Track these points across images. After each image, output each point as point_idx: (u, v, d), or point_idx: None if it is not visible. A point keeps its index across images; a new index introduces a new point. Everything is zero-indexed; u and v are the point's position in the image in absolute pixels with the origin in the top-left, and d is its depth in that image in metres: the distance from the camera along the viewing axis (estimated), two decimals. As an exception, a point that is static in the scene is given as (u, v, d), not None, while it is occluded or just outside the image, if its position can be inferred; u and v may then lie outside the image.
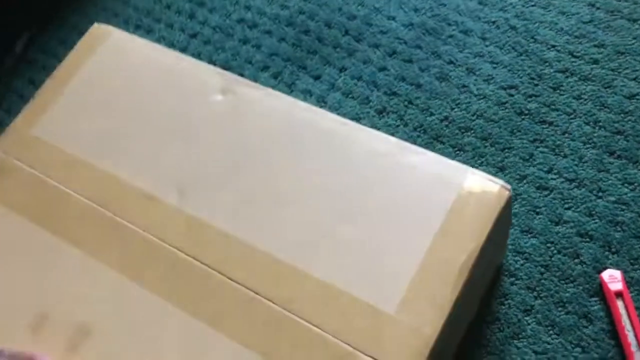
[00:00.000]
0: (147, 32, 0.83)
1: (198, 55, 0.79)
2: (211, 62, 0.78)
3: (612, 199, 0.58)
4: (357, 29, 0.75)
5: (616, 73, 0.65)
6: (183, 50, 0.80)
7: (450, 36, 0.72)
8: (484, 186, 0.45)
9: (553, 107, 0.64)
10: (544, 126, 0.63)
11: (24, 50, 0.85)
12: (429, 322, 0.41)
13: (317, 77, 0.73)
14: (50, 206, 0.51)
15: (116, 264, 0.47)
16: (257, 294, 0.44)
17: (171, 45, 0.81)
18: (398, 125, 0.68)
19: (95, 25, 0.59)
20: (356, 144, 0.49)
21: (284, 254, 0.45)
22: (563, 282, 0.56)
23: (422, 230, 0.44)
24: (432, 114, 0.68)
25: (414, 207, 0.45)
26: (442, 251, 0.43)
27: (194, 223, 0.48)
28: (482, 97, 0.67)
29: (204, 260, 0.46)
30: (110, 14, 0.86)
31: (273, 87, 0.73)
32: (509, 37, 0.70)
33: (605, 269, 0.55)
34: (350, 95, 0.71)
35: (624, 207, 0.58)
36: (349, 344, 0.41)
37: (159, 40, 0.81)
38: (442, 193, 0.45)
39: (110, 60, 0.57)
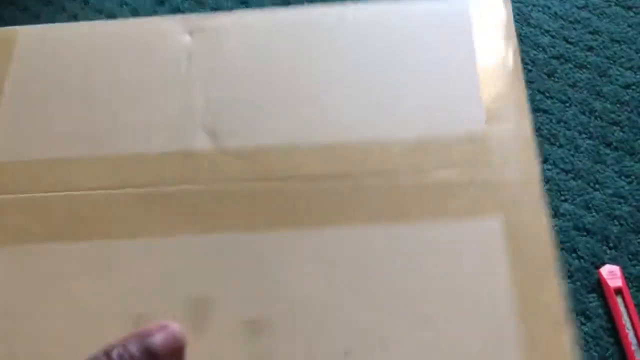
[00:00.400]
0: (107, -4, 0.76)
1: (166, 25, 0.73)
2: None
3: (609, 191, 0.57)
4: None
5: (611, 62, 0.63)
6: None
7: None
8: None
9: (547, 94, 0.63)
10: (538, 114, 0.61)
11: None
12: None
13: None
14: (70, 217, 0.42)
15: (196, 228, 0.41)
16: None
17: (135, 13, 0.74)
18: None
19: None
20: (353, 23, 0.46)
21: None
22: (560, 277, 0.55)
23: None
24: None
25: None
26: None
27: (246, 151, 0.43)
28: None
29: (274, 175, 0.42)
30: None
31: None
32: None
33: (603, 264, 0.53)
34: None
35: (621, 200, 0.56)
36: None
37: (121, 5, 0.74)
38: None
39: (38, 57, 0.48)
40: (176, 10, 0.72)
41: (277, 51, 0.50)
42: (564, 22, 0.65)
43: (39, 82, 0.50)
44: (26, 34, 0.53)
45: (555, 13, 0.66)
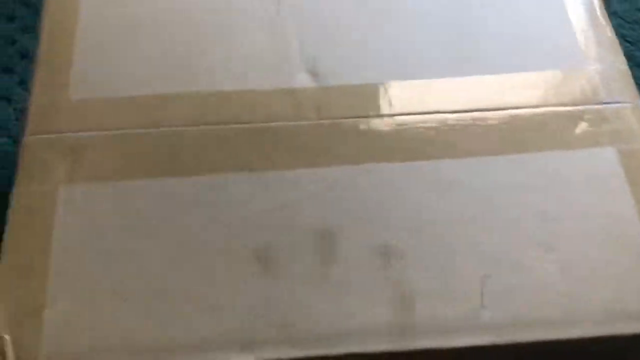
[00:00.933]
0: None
1: None
2: None
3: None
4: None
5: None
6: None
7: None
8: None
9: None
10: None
11: None
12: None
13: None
14: (175, 152, 0.41)
15: (307, 162, 0.41)
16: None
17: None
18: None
19: None
20: None
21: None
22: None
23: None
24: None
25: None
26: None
27: (349, 89, 0.44)
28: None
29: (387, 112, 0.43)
30: None
31: None
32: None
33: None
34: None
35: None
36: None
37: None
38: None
39: None
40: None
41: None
42: (622, 21, 0.68)
43: (112, 20, 0.48)
44: None
45: (615, 12, 0.69)
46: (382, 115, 0.44)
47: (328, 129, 0.44)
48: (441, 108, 0.45)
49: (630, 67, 0.65)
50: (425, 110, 0.44)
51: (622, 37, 0.67)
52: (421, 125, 0.44)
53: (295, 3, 0.49)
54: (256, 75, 0.46)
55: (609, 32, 0.49)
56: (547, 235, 0.38)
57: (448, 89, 0.45)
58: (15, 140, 0.60)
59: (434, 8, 0.49)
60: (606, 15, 0.49)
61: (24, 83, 0.63)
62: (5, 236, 0.39)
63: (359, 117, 0.44)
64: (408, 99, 0.44)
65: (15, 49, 0.65)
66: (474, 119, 0.44)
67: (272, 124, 0.44)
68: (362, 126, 0.44)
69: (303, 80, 0.46)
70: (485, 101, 0.45)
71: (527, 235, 0.38)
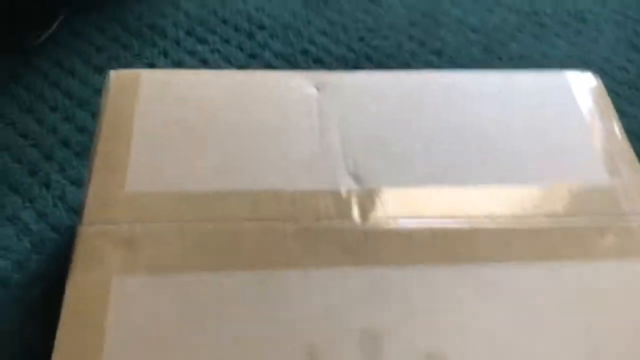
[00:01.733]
0: (199, 41, 0.78)
1: (257, 77, 0.76)
2: (271, 86, 0.75)
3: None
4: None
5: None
6: (241, 67, 0.76)
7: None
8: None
9: None
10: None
11: (56, 31, 0.77)
12: None
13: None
14: (226, 247, 0.43)
15: (354, 262, 0.43)
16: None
17: (227, 61, 0.76)
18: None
19: (113, 72, 0.53)
20: (472, 87, 0.55)
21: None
22: None
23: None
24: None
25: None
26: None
27: (389, 192, 0.46)
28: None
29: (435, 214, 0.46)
30: (156, 13, 0.81)
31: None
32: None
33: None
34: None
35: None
36: None
37: (213, 52, 0.77)
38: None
39: (165, 99, 0.52)
40: (268, 65, 0.75)
41: (402, 106, 0.55)
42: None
43: (169, 122, 0.52)
44: (149, 76, 0.56)
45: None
46: (425, 218, 0.47)
47: (372, 230, 0.46)
48: (478, 214, 0.47)
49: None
50: (465, 214, 0.47)
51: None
52: (462, 229, 0.46)
53: (336, 112, 0.53)
54: (305, 176, 0.49)
55: (627, 147, 0.52)
56: (590, 346, 0.39)
57: (484, 196, 0.48)
58: (53, 227, 0.61)
59: (468, 124, 0.53)
60: (623, 131, 0.53)
61: (64, 170, 0.65)
62: (58, 325, 0.40)
63: (402, 218, 0.47)
64: (449, 204, 0.47)
65: (56, 138, 0.68)
66: (508, 226, 0.46)
67: (320, 222, 0.46)
68: (406, 229, 0.46)
69: (347, 183, 0.49)
70: (517, 209, 0.48)
71: (570, 345, 0.40)
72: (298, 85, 0.56)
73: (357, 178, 0.49)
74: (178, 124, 0.51)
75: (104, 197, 0.46)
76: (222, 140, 0.50)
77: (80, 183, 0.65)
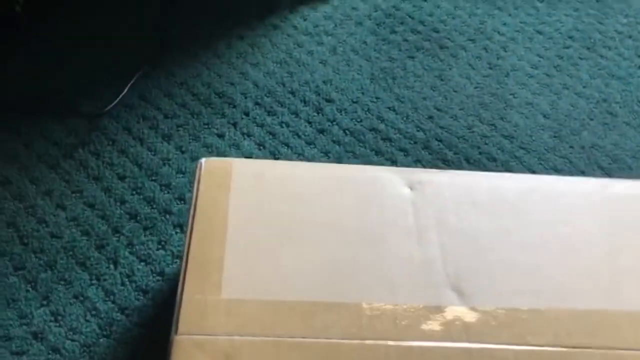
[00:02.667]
0: (268, 112, 0.77)
1: (326, 153, 0.74)
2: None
3: None
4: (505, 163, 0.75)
5: None
6: (309, 143, 0.75)
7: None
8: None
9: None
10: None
11: (125, 94, 0.76)
12: None
13: (457, 211, 0.71)
14: None
15: None
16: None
17: (296, 134, 0.76)
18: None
19: (205, 160, 0.52)
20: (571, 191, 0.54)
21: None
22: None
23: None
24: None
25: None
26: None
27: (497, 313, 0.44)
28: None
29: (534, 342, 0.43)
30: (225, 81, 0.80)
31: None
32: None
33: None
34: (493, 240, 0.69)
35: None
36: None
37: (281, 125, 0.76)
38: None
39: (258, 193, 0.51)
40: (337, 141, 0.74)
41: (503, 213, 0.53)
42: None
43: (263, 220, 0.50)
44: (241, 167, 0.54)
45: None
46: (531, 346, 0.45)
47: (479, 354, 0.44)
48: (587, 341, 0.45)
49: None
50: (575, 343, 0.45)
51: None
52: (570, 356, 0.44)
53: (432, 216, 0.52)
54: (404, 288, 0.47)
55: None
56: None
57: (593, 320, 0.46)
58: (121, 308, 0.59)
59: (572, 236, 0.51)
60: None
61: (132, 246, 0.64)
62: None
63: (506, 345, 0.45)
64: (556, 329, 0.45)
65: (124, 209, 0.67)
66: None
67: (422, 343, 0.44)
68: (511, 350, 0.44)
69: (449, 298, 0.47)
70: (630, 339, 0.45)
71: None
72: (391, 183, 0.54)
73: (459, 292, 0.47)
74: (273, 222, 0.49)
75: (199, 305, 0.44)
76: (318, 242, 0.48)
77: (148, 260, 0.63)
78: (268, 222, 0.49)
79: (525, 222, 0.51)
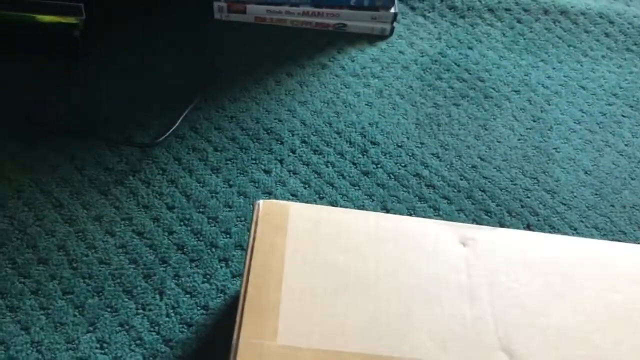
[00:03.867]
0: (314, 151, 0.79)
1: (370, 196, 0.75)
2: (384, 209, 0.74)
3: None
4: (539, 227, 0.75)
5: None
6: (353, 185, 0.76)
7: (633, 267, 0.73)
8: None
9: None
10: None
11: (179, 125, 0.78)
12: None
13: (498, 264, 0.71)
14: None
15: None
16: None
17: (341, 175, 0.77)
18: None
19: (262, 202, 0.54)
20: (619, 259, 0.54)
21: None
22: None
23: None
24: None
25: None
26: None
27: None
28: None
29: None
30: (273, 118, 0.82)
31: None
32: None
33: None
34: (533, 296, 0.69)
35: None
36: None
37: (327, 165, 0.77)
38: None
39: (315, 240, 0.52)
40: (381, 184, 0.75)
41: (554, 276, 0.53)
42: None
43: (319, 267, 0.51)
44: (298, 210, 0.55)
45: None
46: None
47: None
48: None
49: None
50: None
51: None
52: None
53: (485, 274, 0.52)
54: (456, 348, 0.47)
55: None
56: None
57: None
58: (165, 340, 0.60)
59: (624, 305, 0.52)
60: None
61: (178, 277, 0.65)
62: None
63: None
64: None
65: (172, 240, 0.68)
66: None
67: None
68: None
69: (501, 360, 0.47)
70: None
71: None
72: (445, 238, 0.54)
73: (510, 355, 0.47)
74: (329, 270, 0.50)
75: (255, 350, 0.45)
76: (373, 294, 0.49)
77: (194, 293, 0.64)
78: (324, 270, 0.50)
79: (576, 286, 0.51)
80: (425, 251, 0.52)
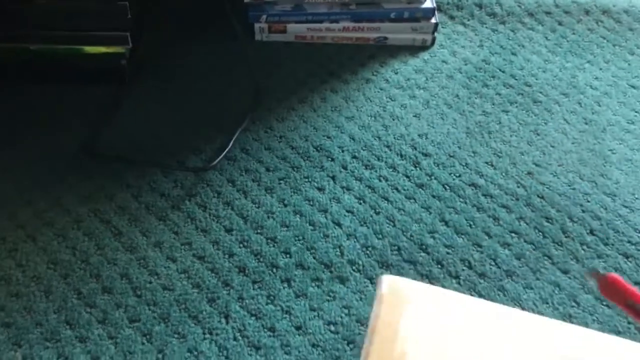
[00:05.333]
0: (365, 166, 0.78)
1: (427, 209, 0.75)
2: (443, 221, 0.73)
3: None
4: (603, 232, 0.73)
5: None
6: (409, 198, 0.75)
7: None
8: None
9: None
10: None
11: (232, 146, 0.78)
12: None
13: (565, 272, 0.70)
14: None
15: None
16: None
17: (395, 189, 0.76)
18: (664, 352, 0.64)
19: (387, 277, 0.50)
20: None
21: None
22: None
23: None
24: (701, 350, 0.64)
25: None
26: None
27: None
28: None
29: None
30: (322, 135, 0.82)
31: (514, 269, 0.69)
32: None
33: None
34: (605, 302, 0.67)
35: None
36: None
37: (380, 179, 0.77)
38: None
39: (435, 324, 0.48)
40: (436, 196, 0.74)
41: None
42: None
43: (438, 352, 0.46)
44: (420, 292, 0.50)
45: None
46: None
47: None
48: None
49: None
50: None
51: None
52: None
53: None
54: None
55: None
56: None
57: None
58: (239, 366, 0.60)
59: None
60: None
61: (242, 299, 0.65)
62: None
63: None
64: None
65: (233, 262, 0.68)
66: None
67: None
68: None
69: None
70: None
71: None
72: (550, 338, 0.48)
73: None
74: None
75: None
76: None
77: (259, 315, 0.64)
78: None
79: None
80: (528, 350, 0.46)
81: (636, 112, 0.87)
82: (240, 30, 0.92)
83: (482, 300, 0.54)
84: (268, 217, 0.72)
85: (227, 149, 0.77)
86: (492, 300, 0.66)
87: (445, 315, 0.50)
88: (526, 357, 0.48)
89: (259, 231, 0.71)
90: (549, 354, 0.48)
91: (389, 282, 0.51)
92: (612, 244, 0.72)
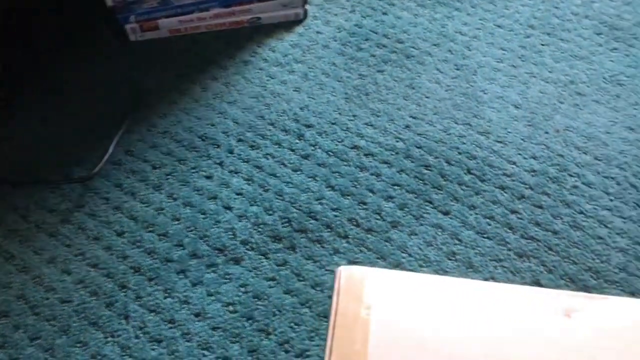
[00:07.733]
0: (251, 147, 0.80)
1: (314, 177, 0.77)
2: (329, 186, 0.76)
3: None
4: (479, 169, 0.77)
5: None
6: (295, 170, 0.77)
7: (575, 187, 0.75)
8: None
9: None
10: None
11: (113, 151, 0.78)
12: None
13: (445, 213, 0.73)
14: None
15: None
16: None
17: (281, 164, 0.78)
18: (542, 272, 0.68)
19: (343, 268, 0.51)
20: None
21: None
22: None
23: None
24: (574, 263, 0.69)
25: None
26: None
27: None
28: (619, 250, 0.69)
29: None
30: (205, 123, 0.83)
31: (398, 219, 0.72)
32: (630, 194, 0.75)
33: None
34: (485, 235, 0.71)
35: None
36: None
37: (266, 157, 0.79)
38: None
39: (397, 308, 0.48)
40: (322, 164, 0.77)
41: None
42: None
43: (403, 337, 0.47)
44: (377, 277, 0.50)
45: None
46: None
47: None
48: None
49: None
50: None
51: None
52: None
53: (586, 348, 0.46)
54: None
55: None
56: None
57: None
58: (140, 361, 0.61)
59: None
60: None
61: (140, 298, 0.66)
62: None
63: None
64: None
65: (127, 264, 0.69)
66: None
67: None
68: None
69: None
70: None
71: None
72: (546, 308, 0.48)
73: None
74: (417, 345, 0.46)
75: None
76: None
77: (158, 310, 0.65)
78: (411, 344, 0.47)
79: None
80: (521, 324, 0.47)
81: (504, 50, 0.91)
82: (110, 34, 0.92)
83: (436, 276, 0.54)
84: (158, 214, 0.73)
85: (108, 154, 0.77)
86: (380, 251, 0.69)
87: (404, 299, 0.49)
88: (492, 327, 0.47)
89: (150, 229, 0.72)
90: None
91: (346, 274, 0.51)
92: (489, 179, 0.76)
